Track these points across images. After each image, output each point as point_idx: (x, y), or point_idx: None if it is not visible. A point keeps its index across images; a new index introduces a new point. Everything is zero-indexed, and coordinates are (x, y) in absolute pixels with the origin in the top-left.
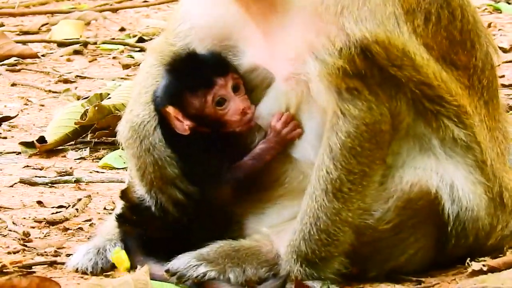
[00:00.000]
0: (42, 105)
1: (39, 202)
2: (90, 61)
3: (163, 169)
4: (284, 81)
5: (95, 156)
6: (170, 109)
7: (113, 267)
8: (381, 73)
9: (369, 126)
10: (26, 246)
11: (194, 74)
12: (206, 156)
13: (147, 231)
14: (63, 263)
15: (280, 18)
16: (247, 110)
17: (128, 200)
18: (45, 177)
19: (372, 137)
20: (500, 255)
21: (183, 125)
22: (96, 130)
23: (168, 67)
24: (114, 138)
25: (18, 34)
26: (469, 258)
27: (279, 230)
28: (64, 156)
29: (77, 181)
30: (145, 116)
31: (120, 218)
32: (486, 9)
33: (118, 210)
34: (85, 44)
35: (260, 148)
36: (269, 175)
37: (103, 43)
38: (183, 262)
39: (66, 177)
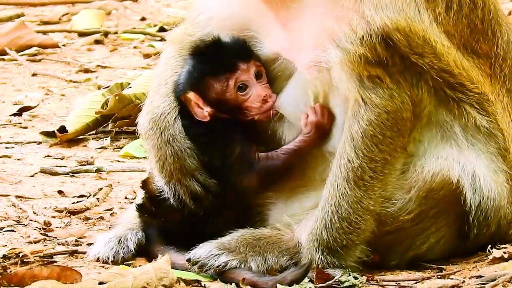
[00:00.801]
0: (63, 95)
1: (60, 192)
2: (110, 51)
3: (183, 161)
4: (306, 70)
5: (116, 145)
6: (191, 95)
7: (134, 256)
8: (403, 61)
9: (391, 114)
10: (47, 235)
11: (217, 58)
12: (232, 144)
13: (165, 223)
14: (84, 253)
15: (299, 6)
16: (268, 98)
17: (148, 191)
18: (66, 166)
19: (394, 125)
20: None
21: (203, 112)
22: (117, 120)
23: (192, 53)
24: (135, 128)
25: (38, 24)
26: (490, 246)
27: (300, 218)
28: (85, 146)
29: (98, 170)
30: (166, 108)
31: (139, 208)
32: None
33: (139, 200)
34: (106, 34)
35: (297, 145)
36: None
37: (124, 32)
38: (204, 251)
39: (87, 167)
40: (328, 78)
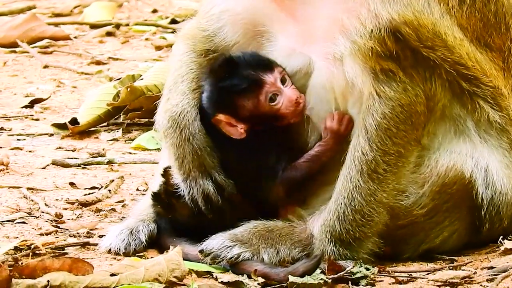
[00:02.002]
0: (75, 87)
1: (72, 184)
2: (122, 43)
3: (202, 159)
4: (322, 64)
5: (128, 137)
6: (221, 117)
7: (145, 248)
8: (414, 55)
9: (405, 107)
10: (58, 227)
11: (240, 76)
12: (262, 156)
13: (177, 216)
14: (95, 244)
15: (309, 1)
16: (299, 100)
17: (167, 181)
18: (78, 158)
19: (408, 118)
20: None
21: (238, 129)
22: (129, 112)
23: (208, 74)
24: (146, 119)
25: (50, 17)
26: (501, 237)
27: (314, 210)
28: (97, 138)
29: (110, 162)
30: (185, 106)
31: (155, 197)
32: None
33: (156, 187)
34: (118, 26)
35: (317, 151)
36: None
37: (136, 24)
38: (217, 243)
39: (99, 159)
40: (342, 71)
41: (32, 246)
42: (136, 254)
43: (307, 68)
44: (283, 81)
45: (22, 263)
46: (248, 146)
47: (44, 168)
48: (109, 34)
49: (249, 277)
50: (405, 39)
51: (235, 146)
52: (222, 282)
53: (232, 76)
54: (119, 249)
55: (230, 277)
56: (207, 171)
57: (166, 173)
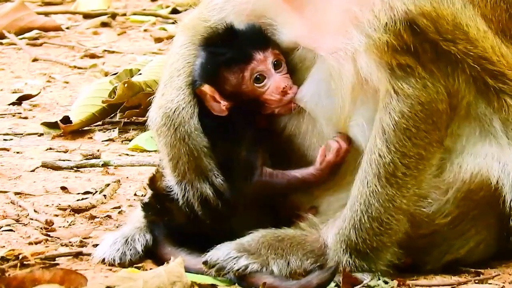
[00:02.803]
0: (67, 82)
1: (63, 188)
2: (118, 34)
3: (199, 160)
4: (329, 59)
5: (125, 137)
6: (206, 88)
7: (142, 258)
8: (434, 48)
9: (425, 105)
10: (49, 236)
11: (231, 48)
12: (240, 146)
13: (171, 223)
14: (89, 254)
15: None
16: (288, 89)
17: (155, 189)
18: (70, 160)
19: (428, 117)
20: None
21: (220, 106)
22: (126, 109)
23: (204, 43)
24: (145, 118)
25: (40, 5)
26: None
27: (327, 218)
28: (91, 138)
29: (105, 164)
30: (180, 102)
31: (145, 207)
32: None
33: (146, 198)
34: (114, 16)
35: (307, 176)
36: (313, 159)
37: (133, 14)
38: (222, 253)
39: (93, 161)
40: (353, 67)
41: (20, 256)
42: (133, 265)
43: (310, 64)
44: (276, 65)
45: (9, 275)
46: (229, 135)
47: (33, 171)
48: (104, 24)
49: None
50: (422, 31)
51: (220, 127)
52: None
53: (224, 44)
54: (114, 260)
55: None
56: (204, 174)
57: (152, 181)
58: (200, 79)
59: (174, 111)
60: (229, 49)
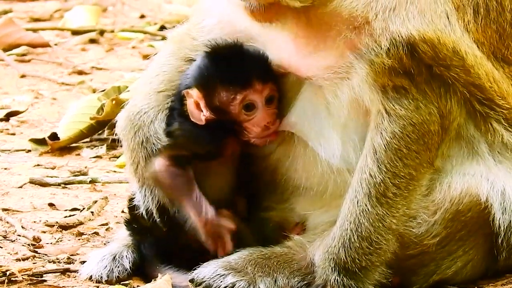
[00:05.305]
0: (54, 99)
1: (51, 205)
2: (107, 51)
3: None
4: (323, 83)
5: (112, 154)
6: (194, 92)
7: (130, 275)
8: (429, 70)
9: (417, 126)
10: (36, 252)
11: (234, 66)
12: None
13: (157, 242)
14: (76, 271)
15: (315, 21)
16: (270, 125)
17: (130, 207)
18: (58, 177)
19: (420, 138)
20: None
21: (201, 114)
22: (113, 126)
23: (210, 49)
24: None
25: (28, 21)
26: None
27: (313, 235)
28: (79, 154)
29: (93, 181)
30: (144, 106)
31: (128, 226)
32: None
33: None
34: (102, 32)
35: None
36: (304, 180)
37: (121, 31)
38: (209, 271)
39: (81, 177)
40: (349, 90)
41: (8, 273)
42: (121, 282)
43: (297, 89)
44: (269, 100)
45: None
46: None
47: (20, 187)
48: (92, 41)
49: None
50: (420, 55)
51: (191, 136)
52: None
53: (229, 60)
54: (101, 277)
55: None
56: None
57: (130, 199)
58: (192, 81)
59: (136, 115)
60: (231, 67)
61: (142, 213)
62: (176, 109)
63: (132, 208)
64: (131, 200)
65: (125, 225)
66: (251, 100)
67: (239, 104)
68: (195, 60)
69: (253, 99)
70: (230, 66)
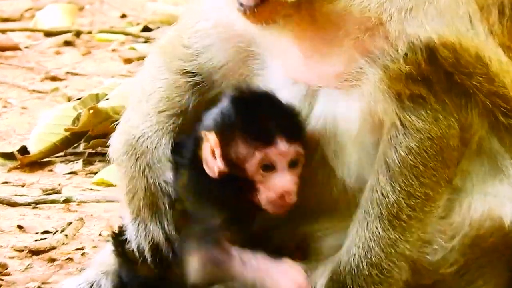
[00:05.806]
0: (25, 108)
1: (20, 227)
2: (83, 54)
3: (156, 198)
4: (333, 93)
5: (89, 170)
6: (212, 137)
7: None
8: (449, 78)
9: (435, 140)
10: (2, 280)
11: (259, 119)
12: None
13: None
14: None
15: (320, 20)
16: (287, 196)
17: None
18: (28, 195)
19: (438, 154)
20: None
21: (214, 166)
22: (91, 139)
23: (236, 94)
24: None
25: None
26: None
27: (315, 263)
28: (51, 170)
29: (67, 200)
30: (146, 130)
31: (116, 251)
32: None
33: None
34: (78, 34)
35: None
36: (314, 200)
37: (100, 32)
38: None
39: (53, 196)
40: (363, 98)
41: None
42: None
43: (308, 100)
44: (293, 164)
45: None
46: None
47: None
48: (67, 43)
49: None
50: (439, 61)
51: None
52: None
53: (255, 110)
54: None
55: None
56: (159, 213)
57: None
58: (212, 125)
59: (138, 139)
60: (256, 118)
61: (132, 249)
62: (188, 149)
63: (121, 242)
64: (120, 233)
65: (112, 239)
66: (272, 161)
67: (258, 162)
68: (190, 72)
69: (274, 161)
70: (254, 117)
